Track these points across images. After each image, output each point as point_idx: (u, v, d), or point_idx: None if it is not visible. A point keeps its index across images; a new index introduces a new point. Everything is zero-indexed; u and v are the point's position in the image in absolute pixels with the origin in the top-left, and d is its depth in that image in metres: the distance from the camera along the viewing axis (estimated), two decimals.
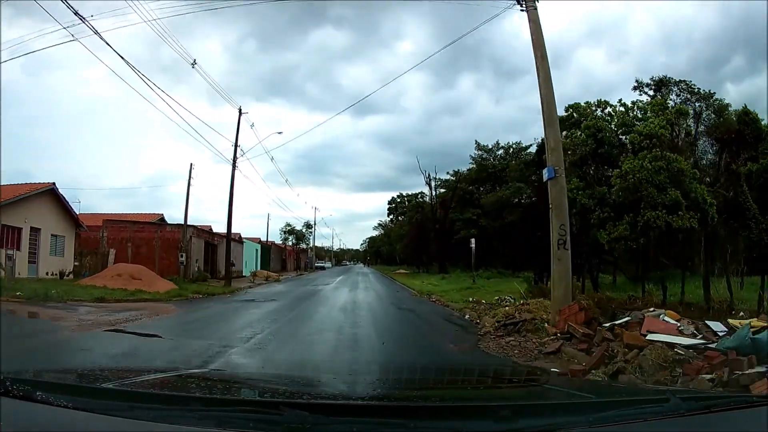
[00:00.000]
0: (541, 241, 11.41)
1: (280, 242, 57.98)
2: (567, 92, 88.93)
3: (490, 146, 44.43)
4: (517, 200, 35.57)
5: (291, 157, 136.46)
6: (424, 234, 44.01)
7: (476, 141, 40.53)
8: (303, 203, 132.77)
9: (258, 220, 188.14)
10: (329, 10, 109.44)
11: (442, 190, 45.54)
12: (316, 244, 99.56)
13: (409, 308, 14.87)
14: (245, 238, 39.78)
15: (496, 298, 14.72)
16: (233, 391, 1.63)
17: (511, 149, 42.89)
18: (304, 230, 61.31)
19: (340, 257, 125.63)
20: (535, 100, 9.80)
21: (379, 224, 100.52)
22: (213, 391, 1.57)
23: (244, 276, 32.36)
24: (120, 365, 5.48)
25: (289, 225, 60.88)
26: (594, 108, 14.59)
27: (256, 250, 42.13)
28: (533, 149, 36.70)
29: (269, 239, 53.39)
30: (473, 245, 24.38)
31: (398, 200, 71.43)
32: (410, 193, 68.20)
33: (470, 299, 15.36)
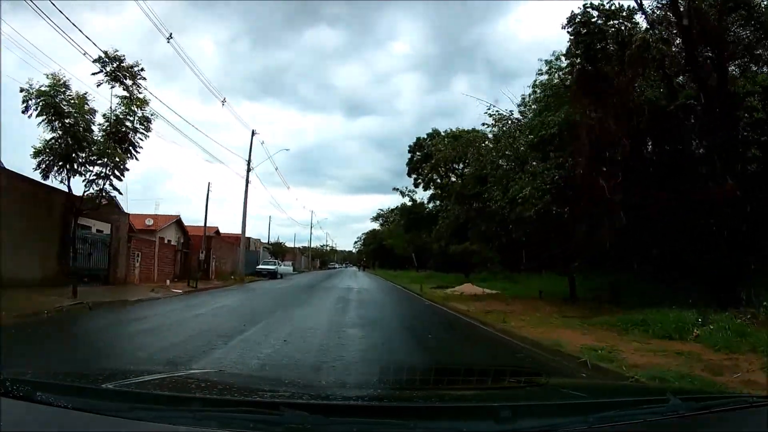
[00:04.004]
0: None
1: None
2: None
3: None
4: None
5: (284, 156, 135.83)
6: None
7: None
8: (297, 202, 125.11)
9: (260, 221, 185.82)
10: (324, 9, 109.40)
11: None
12: (297, 245, 67.99)
13: None
14: None
15: None
16: (233, 391, 1.63)
17: None
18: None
19: (328, 257, 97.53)
20: None
21: (380, 214, 71.88)
22: (213, 391, 1.58)
23: None
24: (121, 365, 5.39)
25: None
26: None
27: None
28: None
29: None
30: None
31: (428, 141, 36.36)
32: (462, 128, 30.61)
33: None
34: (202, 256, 24.77)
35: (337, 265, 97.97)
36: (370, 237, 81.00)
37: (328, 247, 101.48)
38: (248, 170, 29.81)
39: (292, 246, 63.80)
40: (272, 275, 32.87)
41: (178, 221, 33.76)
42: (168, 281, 19.18)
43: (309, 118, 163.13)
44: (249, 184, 29.59)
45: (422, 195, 38.82)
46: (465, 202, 20.41)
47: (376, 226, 77.18)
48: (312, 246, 79.55)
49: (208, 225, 35.42)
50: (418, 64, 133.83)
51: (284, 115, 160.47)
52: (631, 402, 1.47)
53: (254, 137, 29.90)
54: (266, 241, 49.66)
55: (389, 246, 62.75)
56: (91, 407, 1.16)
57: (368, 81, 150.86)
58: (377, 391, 1.87)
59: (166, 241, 23.56)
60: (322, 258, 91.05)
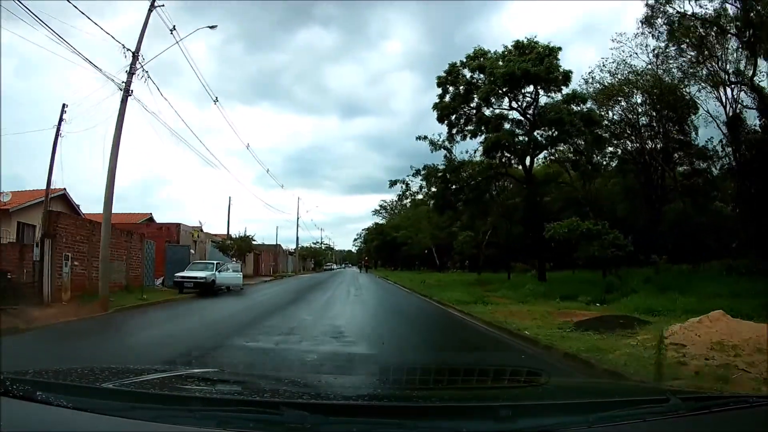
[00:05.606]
0: None
1: None
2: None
3: None
4: None
5: (281, 159, 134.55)
6: None
7: None
8: (294, 203, 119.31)
9: (257, 223, 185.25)
10: (316, 10, 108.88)
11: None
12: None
13: None
14: None
15: None
16: (233, 391, 1.63)
17: None
18: None
19: (323, 257, 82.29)
20: None
21: (383, 206, 67.83)
22: (213, 391, 1.58)
23: None
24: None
25: None
26: None
27: None
28: None
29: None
30: None
31: (472, 62, 22.82)
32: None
33: None
34: (36, 254, 12.67)
35: (334, 266, 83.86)
36: (373, 232, 71.19)
37: (323, 245, 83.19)
38: (132, 69, 13.57)
39: (275, 244, 46.96)
40: (206, 288, 18.38)
41: (62, 197, 20.38)
42: None
43: (305, 120, 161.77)
44: (130, 96, 13.60)
45: (463, 150, 24.38)
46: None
47: (378, 220, 70.36)
48: (305, 245, 64.93)
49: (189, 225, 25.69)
50: (413, 63, 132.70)
51: (280, 118, 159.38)
52: (631, 402, 1.46)
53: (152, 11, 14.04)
54: (236, 236, 32.14)
55: (401, 240, 50.21)
56: (91, 407, 1.16)
57: (363, 81, 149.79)
58: (377, 391, 1.87)
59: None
60: (316, 258, 75.13)
